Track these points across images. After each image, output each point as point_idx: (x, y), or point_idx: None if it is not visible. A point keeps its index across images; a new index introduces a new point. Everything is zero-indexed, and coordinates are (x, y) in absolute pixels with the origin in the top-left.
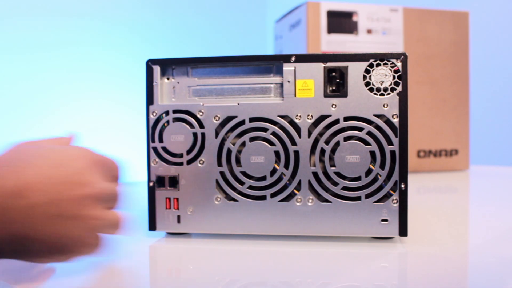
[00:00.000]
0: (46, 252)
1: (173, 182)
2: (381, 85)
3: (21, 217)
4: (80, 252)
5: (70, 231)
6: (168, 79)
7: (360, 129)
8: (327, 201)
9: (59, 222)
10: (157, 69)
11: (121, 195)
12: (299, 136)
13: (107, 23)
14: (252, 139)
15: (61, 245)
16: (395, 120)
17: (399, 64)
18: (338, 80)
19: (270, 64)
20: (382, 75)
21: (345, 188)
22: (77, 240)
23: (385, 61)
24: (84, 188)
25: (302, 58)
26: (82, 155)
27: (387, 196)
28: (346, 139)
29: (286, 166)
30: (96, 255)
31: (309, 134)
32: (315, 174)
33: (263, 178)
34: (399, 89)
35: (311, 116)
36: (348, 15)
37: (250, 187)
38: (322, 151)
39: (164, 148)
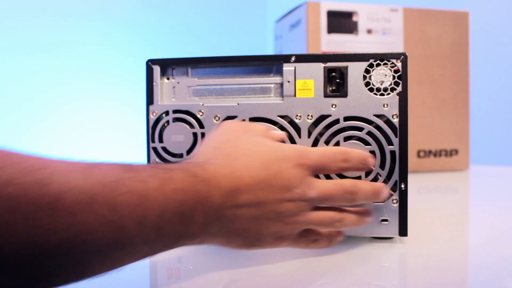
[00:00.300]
0: (248, 244)
1: None
2: (381, 85)
3: (234, 214)
4: (275, 246)
5: (270, 230)
6: (168, 79)
7: (360, 129)
8: None
9: (263, 222)
10: (157, 69)
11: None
12: (299, 136)
13: (107, 24)
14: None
15: (262, 240)
16: (395, 120)
17: (399, 64)
18: (338, 80)
19: (270, 64)
20: (382, 75)
21: None
22: (275, 238)
23: (385, 61)
24: (287, 192)
25: (302, 58)
26: (286, 157)
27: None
28: (346, 139)
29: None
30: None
31: (309, 134)
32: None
33: None
34: (399, 89)
35: (311, 116)
36: (348, 15)
37: None
38: None
39: (164, 148)
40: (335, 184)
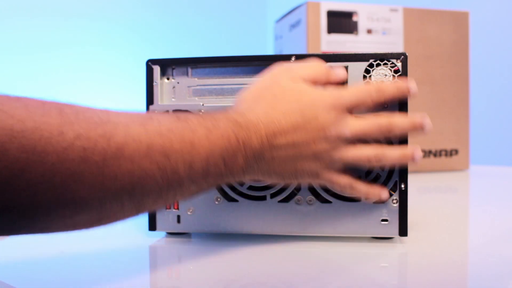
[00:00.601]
0: (286, 178)
1: None
2: None
3: (269, 158)
4: (313, 181)
5: (307, 168)
6: (168, 79)
7: None
8: (327, 201)
9: (300, 161)
10: (157, 69)
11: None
12: None
13: (107, 24)
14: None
15: (298, 176)
16: None
17: (399, 64)
18: None
19: (270, 64)
20: (382, 75)
21: None
22: (312, 174)
23: (385, 61)
24: (321, 132)
25: (302, 58)
26: (321, 101)
27: None
28: None
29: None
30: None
31: None
32: None
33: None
34: None
35: None
36: (348, 15)
37: (250, 188)
38: None
39: None
40: (370, 121)
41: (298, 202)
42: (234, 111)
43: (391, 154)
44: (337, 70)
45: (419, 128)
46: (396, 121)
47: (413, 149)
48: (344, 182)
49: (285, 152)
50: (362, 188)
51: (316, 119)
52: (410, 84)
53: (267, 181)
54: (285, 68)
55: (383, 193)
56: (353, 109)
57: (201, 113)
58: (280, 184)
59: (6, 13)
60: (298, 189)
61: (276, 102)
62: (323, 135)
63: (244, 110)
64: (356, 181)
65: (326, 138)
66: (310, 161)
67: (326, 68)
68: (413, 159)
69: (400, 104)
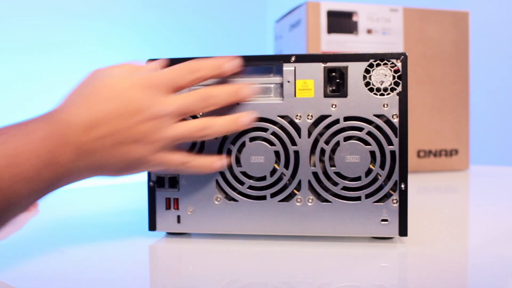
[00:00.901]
0: (119, 170)
1: (173, 182)
2: (381, 85)
3: (94, 147)
4: (146, 167)
5: (133, 153)
6: None
7: (360, 129)
8: (327, 201)
9: (123, 148)
10: None
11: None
12: (299, 136)
13: (108, 24)
14: (252, 139)
15: (129, 165)
16: (395, 120)
17: (399, 64)
18: (338, 80)
19: (270, 64)
20: (382, 75)
21: (345, 188)
22: (141, 160)
23: (385, 61)
24: (139, 115)
25: (302, 58)
26: (134, 83)
27: (387, 196)
28: (346, 139)
29: (286, 166)
30: (161, 170)
31: (309, 134)
32: (315, 174)
33: (263, 178)
34: (399, 89)
35: (311, 116)
36: (348, 15)
37: (250, 187)
38: (322, 151)
39: None
40: (190, 94)
41: (298, 202)
42: (53, 110)
43: (218, 122)
44: (227, 60)
45: (239, 94)
46: (216, 88)
47: (240, 114)
48: (176, 160)
49: (107, 141)
50: (195, 162)
51: (132, 102)
52: (226, 62)
53: (104, 176)
54: (124, 69)
55: (217, 160)
56: (170, 88)
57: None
58: (280, 184)
59: (7, 13)
60: (298, 189)
61: (91, 95)
62: (142, 117)
63: (61, 106)
64: (189, 155)
65: (146, 120)
66: (134, 145)
67: (206, 64)
68: (240, 122)
69: (400, 104)
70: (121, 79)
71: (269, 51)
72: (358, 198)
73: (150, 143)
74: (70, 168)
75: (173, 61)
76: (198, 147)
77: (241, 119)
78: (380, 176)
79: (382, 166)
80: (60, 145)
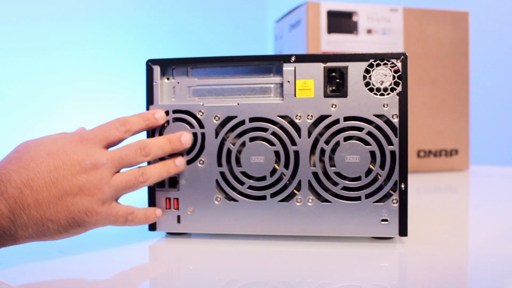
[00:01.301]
0: (64, 228)
1: (173, 182)
2: (381, 85)
3: (34, 203)
4: (93, 222)
5: (78, 205)
6: (168, 79)
7: (360, 129)
8: (327, 201)
9: (66, 200)
10: (157, 69)
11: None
12: (299, 136)
13: (108, 24)
14: (252, 139)
15: (75, 220)
16: (395, 120)
17: (399, 64)
18: (338, 80)
19: (270, 64)
20: (382, 75)
21: (345, 188)
22: (88, 212)
23: (385, 61)
24: (76, 165)
25: (302, 58)
26: (69, 139)
27: (387, 196)
28: (346, 139)
29: (286, 166)
30: (108, 224)
31: (309, 134)
32: (315, 174)
33: (263, 178)
34: (399, 89)
35: (311, 116)
36: (348, 15)
37: (250, 187)
38: (322, 151)
39: None
40: (125, 146)
41: (298, 202)
42: None
43: (154, 168)
44: (154, 113)
45: (174, 146)
46: (150, 139)
47: (175, 158)
48: (121, 210)
49: (48, 192)
50: (139, 212)
51: (69, 155)
52: (153, 114)
53: (47, 238)
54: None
55: (158, 211)
56: (107, 142)
57: None
58: (280, 184)
59: (10, 17)
60: (298, 189)
61: (26, 155)
62: (80, 167)
63: None
64: (132, 206)
65: (85, 170)
66: (78, 196)
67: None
68: (175, 165)
69: (400, 104)
70: (55, 138)
71: (269, 51)
72: (358, 198)
73: (92, 194)
74: (13, 220)
75: (173, 61)
76: (198, 148)
77: (176, 162)
78: (380, 176)
79: (382, 166)
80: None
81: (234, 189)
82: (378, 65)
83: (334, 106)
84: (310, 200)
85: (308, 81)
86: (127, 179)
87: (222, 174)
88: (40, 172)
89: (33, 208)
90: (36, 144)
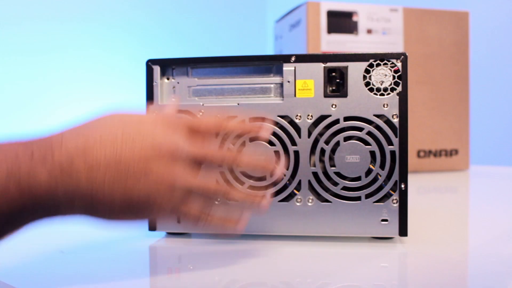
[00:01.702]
0: (116, 211)
1: None
2: (381, 85)
3: (86, 178)
4: (152, 212)
5: (139, 189)
6: (168, 79)
7: (360, 129)
8: (327, 201)
9: (128, 181)
10: (157, 69)
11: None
12: (299, 136)
13: (108, 25)
14: (252, 139)
15: (131, 205)
16: (395, 120)
17: (399, 64)
18: (338, 80)
19: (270, 64)
20: (382, 75)
21: (345, 188)
22: (148, 199)
23: (385, 61)
24: (155, 147)
25: (302, 58)
26: (150, 118)
27: (387, 196)
28: (346, 139)
29: (286, 166)
30: (169, 217)
31: (309, 134)
32: (315, 174)
33: (263, 178)
34: (399, 89)
35: (311, 116)
36: (348, 15)
37: (250, 187)
38: (322, 151)
39: None
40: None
41: (298, 202)
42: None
43: (238, 194)
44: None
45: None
46: (233, 190)
47: (263, 198)
48: (193, 210)
49: (103, 170)
50: (215, 218)
51: (144, 133)
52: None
53: (102, 217)
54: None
55: (236, 223)
56: (192, 131)
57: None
58: (280, 184)
59: (11, 18)
60: (298, 189)
61: (92, 124)
62: (156, 150)
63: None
64: (208, 211)
65: (161, 155)
66: (143, 180)
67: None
68: (261, 205)
69: (400, 104)
70: (132, 114)
71: (269, 51)
72: (358, 198)
73: (161, 182)
74: (47, 191)
75: (173, 61)
76: None
77: (262, 203)
78: (380, 176)
79: (382, 166)
80: (37, 162)
81: (233, 189)
82: (378, 65)
83: (334, 106)
84: (310, 200)
85: (308, 81)
86: (208, 185)
87: (222, 174)
88: (101, 142)
89: (84, 185)
90: (115, 116)
